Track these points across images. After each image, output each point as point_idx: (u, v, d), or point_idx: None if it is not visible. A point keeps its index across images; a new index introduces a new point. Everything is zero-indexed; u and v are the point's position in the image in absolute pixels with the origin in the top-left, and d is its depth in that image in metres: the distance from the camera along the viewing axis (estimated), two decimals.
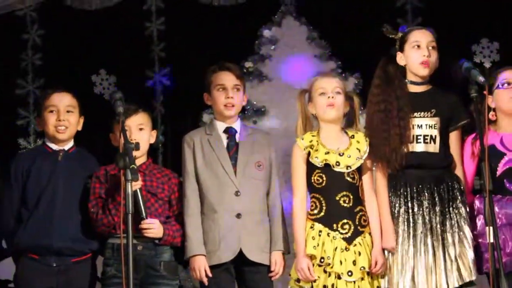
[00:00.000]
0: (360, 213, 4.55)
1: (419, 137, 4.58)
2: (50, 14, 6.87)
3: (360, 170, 4.60)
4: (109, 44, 6.78)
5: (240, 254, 4.61)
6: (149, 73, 6.81)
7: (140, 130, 4.74)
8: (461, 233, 4.50)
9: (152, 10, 6.89)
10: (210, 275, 4.60)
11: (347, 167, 4.55)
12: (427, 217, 4.49)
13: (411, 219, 4.51)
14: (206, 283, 4.61)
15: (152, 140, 4.85)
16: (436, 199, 4.52)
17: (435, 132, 4.59)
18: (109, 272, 4.61)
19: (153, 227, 4.57)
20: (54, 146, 4.82)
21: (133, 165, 4.02)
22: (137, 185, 4.36)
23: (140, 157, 4.70)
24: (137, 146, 4.18)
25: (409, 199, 4.54)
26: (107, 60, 6.83)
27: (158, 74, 6.80)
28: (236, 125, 4.86)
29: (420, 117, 4.60)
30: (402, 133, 4.55)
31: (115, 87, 6.73)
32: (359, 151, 4.59)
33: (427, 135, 4.58)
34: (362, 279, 4.48)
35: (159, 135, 6.18)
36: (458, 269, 4.45)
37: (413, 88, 4.66)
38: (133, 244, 4.00)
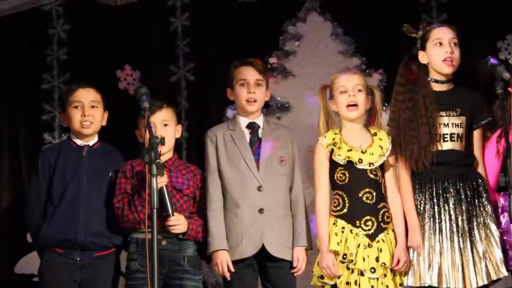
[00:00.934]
0: (383, 210, 4.56)
1: (445, 136, 4.57)
2: (76, 9, 6.88)
3: (383, 167, 4.60)
4: (134, 40, 6.79)
5: (263, 249, 4.62)
6: (174, 68, 6.80)
7: (164, 126, 4.75)
8: (488, 230, 4.49)
9: (176, 6, 6.88)
10: (232, 270, 4.62)
11: (370, 164, 4.55)
12: (453, 214, 4.48)
13: (436, 216, 4.50)
14: (229, 278, 4.63)
15: (178, 135, 4.88)
16: (462, 196, 4.50)
17: (461, 131, 4.57)
18: (133, 266, 4.64)
19: (179, 223, 4.59)
20: (79, 141, 4.86)
21: (158, 160, 4.03)
22: (163, 182, 4.38)
23: (166, 153, 4.72)
24: (162, 141, 4.19)
25: (434, 195, 4.53)
26: (132, 56, 6.84)
27: (183, 70, 6.81)
28: (259, 120, 4.87)
29: (446, 115, 4.58)
30: (432, 131, 4.53)
31: (140, 83, 6.73)
32: (382, 148, 4.59)
33: (454, 134, 4.56)
34: (385, 275, 4.49)
35: (183, 131, 6.18)
36: (486, 267, 4.44)
37: (436, 87, 4.64)
38: (157, 239, 4.02)
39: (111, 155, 4.91)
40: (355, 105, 4.61)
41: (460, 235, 4.46)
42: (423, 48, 4.67)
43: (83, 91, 4.87)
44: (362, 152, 4.57)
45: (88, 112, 4.82)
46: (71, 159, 4.79)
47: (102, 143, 4.92)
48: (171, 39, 6.86)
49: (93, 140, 4.88)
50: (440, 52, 4.60)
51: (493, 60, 4.38)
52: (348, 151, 4.57)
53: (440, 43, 4.61)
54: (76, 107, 4.84)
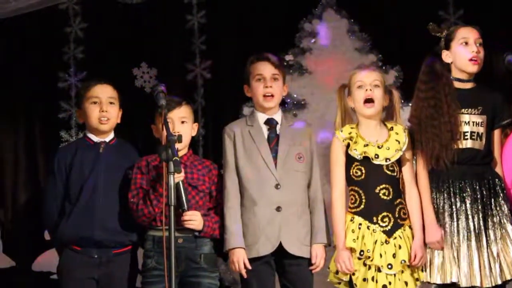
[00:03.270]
0: (400, 206, 4.54)
1: (466, 134, 4.55)
2: (93, 7, 6.92)
3: (399, 162, 4.58)
4: (151, 37, 6.81)
5: (281, 247, 4.60)
6: (190, 66, 6.83)
7: (182, 123, 4.74)
8: (504, 230, 4.47)
9: (193, 3, 6.90)
10: (249, 267, 4.60)
11: (386, 159, 4.54)
12: (469, 213, 4.47)
13: (454, 215, 4.49)
14: (245, 276, 4.61)
15: (194, 133, 4.86)
16: (478, 195, 4.49)
17: (481, 130, 4.56)
18: (149, 264, 4.63)
19: (195, 219, 4.59)
20: (95, 138, 4.86)
21: (175, 157, 4.03)
22: (179, 177, 4.37)
23: (182, 149, 4.70)
24: (179, 139, 4.18)
25: (452, 194, 4.51)
26: (148, 53, 6.86)
27: (199, 67, 6.82)
28: (277, 116, 4.84)
29: (468, 113, 4.56)
30: (453, 129, 4.52)
31: (156, 80, 6.75)
32: (398, 143, 4.57)
33: (474, 132, 4.55)
34: (402, 271, 4.48)
35: (199, 128, 6.19)
36: (500, 267, 4.42)
37: (459, 85, 4.63)
38: (174, 237, 4.02)
39: (128, 151, 4.92)
40: (372, 101, 4.59)
41: (476, 234, 4.45)
42: (448, 47, 4.65)
43: (101, 87, 4.87)
44: (378, 147, 4.55)
45: (105, 108, 4.83)
46: (88, 157, 4.79)
47: (118, 139, 4.92)
48: (187, 36, 6.88)
49: (109, 137, 4.88)
50: (466, 51, 4.59)
51: (509, 57, 4.37)
52: (364, 146, 4.55)
53: (466, 43, 4.60)
54: (94, 102, 4.84)
